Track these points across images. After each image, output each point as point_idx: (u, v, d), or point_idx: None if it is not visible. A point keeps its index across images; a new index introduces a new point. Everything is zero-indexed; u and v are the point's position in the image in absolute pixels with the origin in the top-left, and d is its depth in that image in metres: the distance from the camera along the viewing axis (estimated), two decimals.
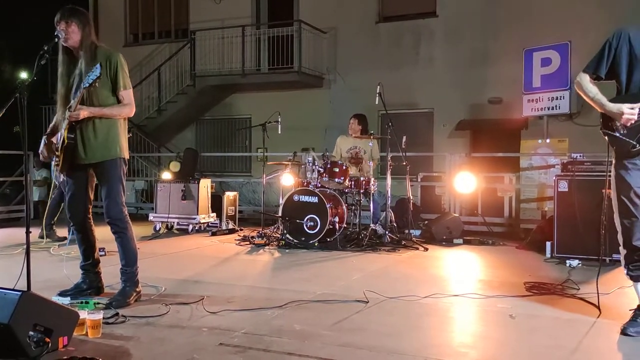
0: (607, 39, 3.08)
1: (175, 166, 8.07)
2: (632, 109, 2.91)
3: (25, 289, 2.75)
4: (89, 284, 3.75)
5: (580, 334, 3.06)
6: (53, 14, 3.57)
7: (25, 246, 3.01)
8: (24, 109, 2.99)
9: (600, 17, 8.65)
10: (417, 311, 3.53)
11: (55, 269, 4.72)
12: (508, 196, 7.80)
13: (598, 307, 3.44)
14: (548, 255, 5.52)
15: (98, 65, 3.36)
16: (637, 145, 2.93)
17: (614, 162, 3.09)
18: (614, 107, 2.98)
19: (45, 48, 3.29)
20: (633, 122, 2.93)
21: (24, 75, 16.48)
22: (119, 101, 3.60)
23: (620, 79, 3.03)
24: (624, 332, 2.98)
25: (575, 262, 5.11)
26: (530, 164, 7.86)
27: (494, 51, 10.23)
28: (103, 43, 3.68)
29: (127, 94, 3.61)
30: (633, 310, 3.09)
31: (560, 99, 7.78)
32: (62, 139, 3.55)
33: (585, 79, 3.12)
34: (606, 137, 3.08)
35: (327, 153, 6.67)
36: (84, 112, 3.46)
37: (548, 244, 5.55)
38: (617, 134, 3.00)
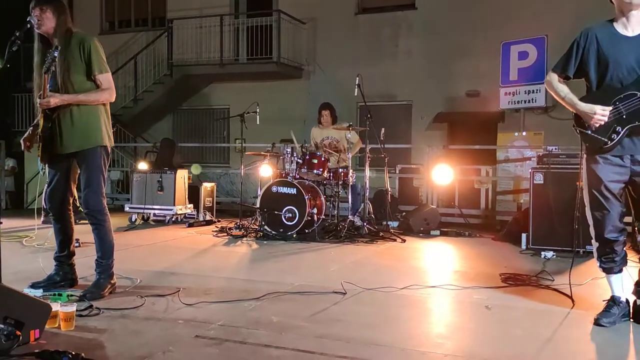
0: (574, 39, 3.11)
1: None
2: (603, 110, 2.94)
3: None
4: (63, 276, 3.68)
5: (554, 324, 3.11)
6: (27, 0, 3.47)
7: None
8: None
9: (576, 11, 8.76)
10: (395, 302, 3.54)
11: (28, 260, 4.62)
12: (484, 188, 7.89)
13: (571, 298, 3.50)
14: (523, 246, 5.60)
15: (55, 49, 3.27)
16: (609, 142, 2.97)
17: (586, 156, 3.12)
18: (585, 107, 3.01)
19: (17, 34, 3.19)
20: (602, 123, 2.96)
21: None
22: (97, 86, 3.50)
23: (590, 77, 3.07)
24: (597, 323, 3.03)
25: (550, 254, 5.19)
26: (506, 157, 7.96)
27: (471, 44, 10.29)
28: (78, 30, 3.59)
29: (105, 77, 3.50)
30: (606, 301, 3.15)
31: (537, 92, 7.89)
32: (39, 128, 3.46)
33: (554, 78, 3.16)
34: (578, 134, 3.11)
35: (306, 144, 6.64)
36: (55, 100, 3.36)
37: (523, 235, 5.63)
38: (589, 132, 3.03)
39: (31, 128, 3.65)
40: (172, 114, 13.27)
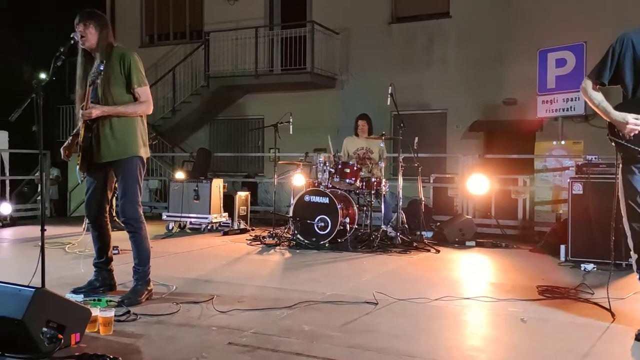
0: (610, 45, 3.07)
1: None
2: (637, 119, 2.89)
3: (40, 286, 2.79)
4: (102, 282, 3.79)
5: (592, 339, 3.02)
6: (72, 15, 3.63)
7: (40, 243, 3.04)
8: (39, 109, 3.03)
9: (616, 18, 8.55)
10: (427, 313, 3.51)
11: (70, 266, 4.78)
12: (522, 198, 7.73)
13: (611, 312, 3.40)
14: (562, 258, 5.45)
15: (101, 62, 3.40)
16: None
17: (621, 166, 3.07)
18: (618, 115, 2.96)
19: (62, 50, 3.34)
20: (637, 132, 2.90)
21: (42, 75, 16.73)
22: (135, 99, 3.62)
23: (625, 83, 3.02)
24: (638, 339, 2.94)
25: (590, 266, 5.05)
26: (544, 166, 7.78)
27: (507, 52, 10.15)
28: (119, 44, 3.73)
29: (143, 91, 3.62)
30: None
31: (575, 100, 7.71)
32: (80, 138, 3.60)
33: (589, 86, 3.12)
34: (613, 144, 3.07)
35: (339, 154, 6.67)
36: (96, 111, 3.50)
37: (562, 247, 5.48)
38: (623, 141, 2.98)
39: (70, 137, 3.80)
40: (209, 124, 13.53)
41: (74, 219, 9.29)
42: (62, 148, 3.78)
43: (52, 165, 11.12)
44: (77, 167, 3.71)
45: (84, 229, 6.32)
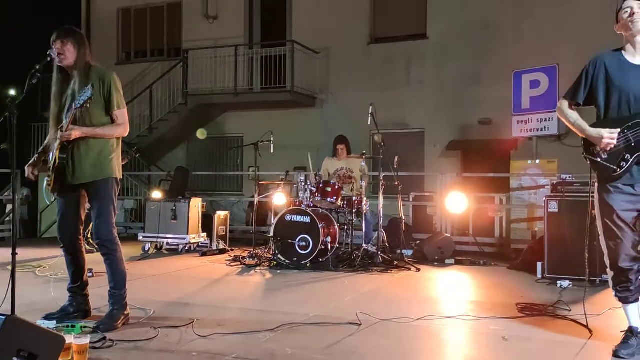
0: (584, 67, 3.16)
1: (202, 134, 7.93)
2: (611, 133, 2.96)
3: (9, 313, 2.69)
4: (76, 307, 3.68)
5: (571, 355, 3.05)
6: (44, 31, 3.58)
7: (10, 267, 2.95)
8: (13, 128, 2.96)
9: (587, 40, 8.78)
10: (410, 333, 3.50)
11: (41, 291, 4.63)
12: (499, 216, 7.82)
13: (589, 329, 3.44)
14: (539, 276, 5.52)
15: (90, 86, 3.35)
16: (618, 169, 2.98)
17: (597, 185, 3.13)
18: (593, 131, 3.03)
19: (37, 67, 3.28)
20: (612, 146, 2.97)
21: (12, 92, 16.45)
22: (112, 120, 3.58)
23: (599, 104, 3.10)
24: (615, 355, 2.98)
25: (566, 283, 5.12)
26: (520, 185, 7.91)
27: (483, 73, 10.35)
28: (96, 61, 3.68)
29: (121, 113, 3.60)
30: (624, 332, 3.09)
31: (549, 120, 7.87)
32: (54, 158, 3.52)
33: (565, 105, 3.20)
34: (588, 162, 3.13)
35: (319, 173, 6.67)
36: (76, 132, 3.44)
37: (539, 264, 5.55)
38: (599, 159, 3.04)
39: (36, 155, 3.71)
40: (187, 143, 13.42)
41: (45, 240, 9.07)
42: (27, 166, 3.66)
43: (22, 184, 10.86)
44: (45, 187, 3.62)
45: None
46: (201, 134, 7.98)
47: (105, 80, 3.53)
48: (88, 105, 3.35)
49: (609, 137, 2.96)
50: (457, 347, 3.37)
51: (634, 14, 2.96)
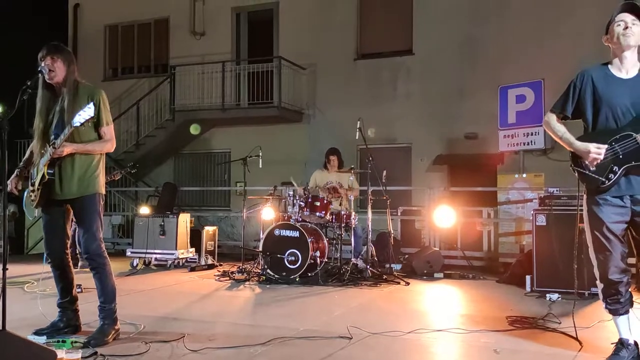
0: (571, 80, 3.19)
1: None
2: (598, 149, 2.98)
3: (0, 328, 2.66)
4: (66, 322, 3.64)
5: None
6: (27, 47, 3.57)
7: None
8: (3, 143, 2.95)
9: (572, 55, 8.97)
10: (401, 347, 3.50)
11: (30, 307, 4.57)
12: (486, 230, 7.88)
13: (579, 341, 3.47)
14: (528, 289, 5.55)
15: (92, 105, 3.35)
16: (606, 181, 2.99)
17: (585, 197, 3.14)
18: (581, 145, 3.04)
19: (29, 83, 3.28)
20: (599, 162, 2.99)
21: None
22: (100, 137, 3.60)
23: (586, 117, 3.12)
24: None
25: (555, 296, 5.16)
26: (507, 198, 7.99)
27: (469, 87, 10.49)
28: (82, 77, 3.69)
29: (109, 129, 3.64)
30: (614, 344, 3.11)
31: (535, 134, 7.99)
32: (41, 174, 3.51)
33: (552, 119, 3.22)
34: (576, 174, 3.14)
35: (308, 187, 6.69)
36: (68, 149, 3.45)
37: (528, 277, 5.59)
38: (587, 171, 3.05)
39: (18, 170, 3.70)
40: (174, 158, 13.37)
41: (32, 256, 8.94)
42: (10, 180, 3.64)
43: (9, 200, 10.73)
44: (29, 202, 3.59)
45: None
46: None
47: (94, 97, 3.54)
48: (90, 124, 3.37)
49: (596, 152, 2.97)
50: None
51: (627, 27, 2.97)
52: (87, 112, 3.33)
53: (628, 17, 2.99)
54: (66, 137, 3.42)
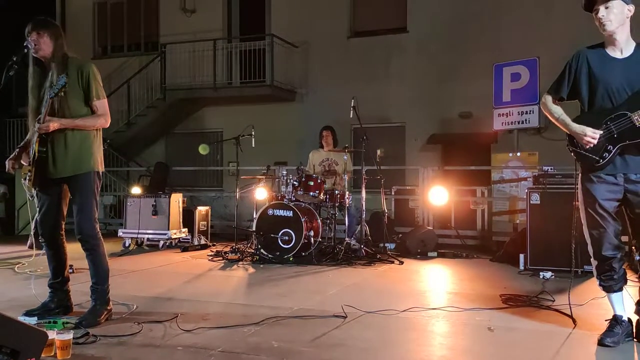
0: (567, 61, 3.21)
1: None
2: (594, 133, 3.01)
3: None
4: (58, 303, 3.60)
5: (557, 345, 3.08)
6: (17, 25, 3.47)
7: None
8: None
9: (567, 33, 8.91)
10: (396, 325, 3.50)
11: (20, 287, 4.53)
12: (480, 209, 7.89)
13: (573, 319, 3.48)
14: (521, 267, 5.58)
15: (63, 75, 3.27)
16: (601, 160, 3.04)
17: (580, 175, 3.18)
18: (577, 128, 3.09)
19: (14, 59, 3.19)
20: (592, 145, 3.02)
21: None
22: (92, 111, 3.49)
23: (582, 97, 3.15)
24: (600, 343, 3.02)
25: (548, 274, 5.18)
26: (501, 177, 7.97)
27: (464, 66, 10.40)
28: (72, 54, 3.58)
29: (101, 104, 3.51)
30: (608, 321, 3.13)
31: (530, 113, 7.93)
32: (33, 152, 3.42)
33: (549, 100, 3.26)
34: (572, 153, 3.18)
35: (302, 167, 6.63)
36: (54, 124, 3.35)
37: (521, 256, 5.61)
38: (582, 150, 3.09)
39: (18, 149, 3.63)
40: (165, 138, 13.24)
41: (22, 237, 8.85)
42: (8, 160, 3.58)
43: (0, 181, 10.61)
44: (26, 182, 3.53)
45: (28, 246, 6.05)
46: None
47: (83, 70, 3.44)
48: (62, 93, 3.27)
49: (591, 136, 3.02)
50: (443, 338, 3.37)
51: (600, 20, 2.99)
52: (59, 83, 3.25)
53: (600, 7, 2.99)
54: (47, 112, 3.32)
